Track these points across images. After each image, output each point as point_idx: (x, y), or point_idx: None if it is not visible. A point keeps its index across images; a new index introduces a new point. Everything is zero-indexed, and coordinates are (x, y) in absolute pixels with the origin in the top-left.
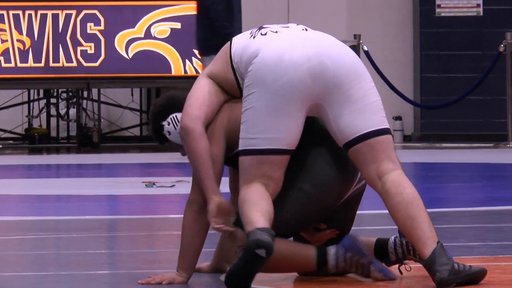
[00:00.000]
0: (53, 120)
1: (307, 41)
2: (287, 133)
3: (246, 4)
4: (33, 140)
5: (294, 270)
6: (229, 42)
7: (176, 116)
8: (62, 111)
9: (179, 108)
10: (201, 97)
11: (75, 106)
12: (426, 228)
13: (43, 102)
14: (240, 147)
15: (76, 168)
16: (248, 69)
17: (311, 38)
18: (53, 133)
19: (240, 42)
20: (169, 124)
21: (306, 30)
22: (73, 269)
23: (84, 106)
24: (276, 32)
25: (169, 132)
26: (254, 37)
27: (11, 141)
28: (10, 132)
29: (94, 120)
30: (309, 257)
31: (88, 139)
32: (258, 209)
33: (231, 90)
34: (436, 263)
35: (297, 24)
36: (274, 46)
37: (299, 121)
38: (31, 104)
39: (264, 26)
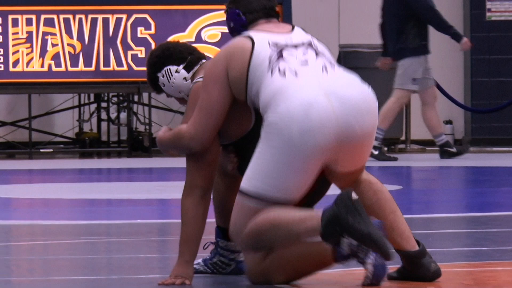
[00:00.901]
0: (104, 124)
1: (331, 92)
2: (301, 187)
3: (297, 17)
4: (84, 144)
5: (314, 269)
6: (248, 55)
7: (170, 69)
8: (113, 115)
9: (174, 60)
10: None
11: (126, 110)
12: (405, 224)
13: (93, 106)
14: (249, 187)
15: (127, 172)
16: (269, 114)
17: (334, 87)
18: (104, 137)
19: (258, 70)
20: (163, 76)
21: (326, 70)
22: (124, 273)
23: (135, 110)
24: (296, 74)
25: (163, 84)
26: (272, 72)
27: (62, 145)
28: (61, 136)
29: (145, 124)
30: (324, 251)
31: (139, 143)
32: (291, 212)
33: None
34: (427, 255)
35: (316, 55)
36: (298, 98)
37: (314, 175)
38: (82, 108)
39: (282, 53)
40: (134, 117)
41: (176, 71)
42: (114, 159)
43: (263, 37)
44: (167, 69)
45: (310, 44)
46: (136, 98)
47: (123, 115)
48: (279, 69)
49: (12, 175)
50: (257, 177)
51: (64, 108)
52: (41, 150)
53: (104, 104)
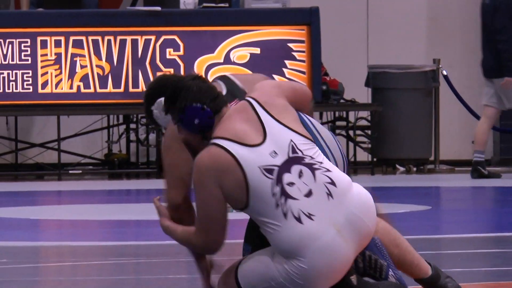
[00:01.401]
0: (133, 146)
1: (343, 227)
2: None
3: (325, 38)
4: (113, 165)
5: None
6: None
7: (161, 101)
8: (142, 136)
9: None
10: None
11: (155, 131)
12: (412, 252)
13: (122, 128)
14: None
15: (155, 193)
16: (290, 263)
17: (343, 219)
18: (133, 158)
19: (262, 202)
20: (156, 109)
21: (330, 194)
22: None
23: (163, 131)
24: (310, 217)
25: (157, 117)
26: (285, 216)
27: (90, 166)
28: (90, 157)
29: None
30: None
31: None
32: None
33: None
34: (442, 276)
35: (311, 172)
36: (320, 253)
37: None
38: (111, 129)
39: (284, 187)
40: (163, 138)
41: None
42: (143, 180)
43: (246, 157)
44: (159, 101)
45: (294, 150)
46: None
47: (152, 136)
48: (293, 214)
49: (41, 197)
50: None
51: (93, 130)
52: (70, 172)
53: (133, 125)
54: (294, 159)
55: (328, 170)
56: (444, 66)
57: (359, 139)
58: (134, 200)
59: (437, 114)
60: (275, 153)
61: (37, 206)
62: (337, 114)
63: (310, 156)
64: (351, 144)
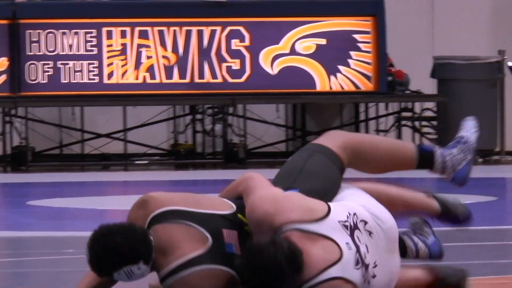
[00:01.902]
0: (199, 136)
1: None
2: None
3: (391, 29)
4: (179, 156)
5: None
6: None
7: (130, 269)
8: (208, 127)
9: (132, 258)
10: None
11: (221, 122)
12: (414, 195)
13: (188, 118)
14: None
15: (222, 183)
16: None
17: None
18: (199, 149)
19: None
20: (121, 274)
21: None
22: None
23: (230, 121)
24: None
25: (119, 279)
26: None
27: (157, 157)
28: (156, 148)
29: (239, 135)
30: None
31: (234, 155)
32: None
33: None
34: (450, 200)
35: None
36: None
37: None
38: (177, 120)
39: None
40: (229, 129)
41: (138, 268)
42: (209, 171)
43: None
44: (127, 270)
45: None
46: (231, 109)
47: (218, 127)
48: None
49: (107, 187)
50: None
51: (159, 120)
52: (136, 162)
53: (199, 116)
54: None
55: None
56: (509, 57)
57: (424, 130)
58: (201, 190)
59: (502, 105)
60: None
61: (104, 196)
62: (402, 105)
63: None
64: (417, 135)
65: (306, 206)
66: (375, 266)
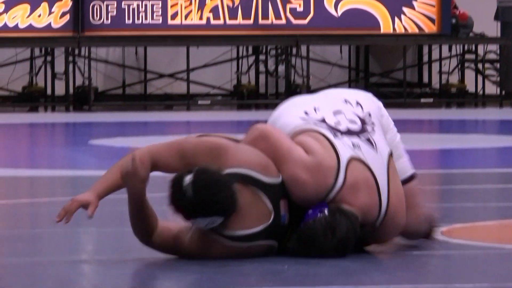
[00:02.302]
0: (262, 77)
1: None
2: None
3: None
4: (242, 97)
5: None
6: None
7: (215, 220)
8: (271, 68)
9: (222, 211)
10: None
11: (284, 63)
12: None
13: (252, 59)
14: None
15: None
16: None
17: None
18: (262, 90)
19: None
20: (206, 223)
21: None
22: None
23: (293, 63)
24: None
25: (198, 224)
26: None
27: (219, 97)
28: (219, 88)
29: (302, 77)
30: None
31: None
32: None
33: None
34: None
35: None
36: None
37: None
38: (240, 60)
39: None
40: (292, 70)
41: (216, 222)
42: (272, 111)
43: None
44: (213, 220)
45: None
46: (294, 51)
47: (281, 68)
48: None
49: (169, 127)
50: None
51: (222, 61)
52: (199, 102)
53: (262, 57)
54: None
55: None
56: None
57: (487, 72)
58: None
59: None
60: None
61: (166, 136)
62: (466, 47)
63: None
64: (479, 77)
65: (329, 165)
66: None
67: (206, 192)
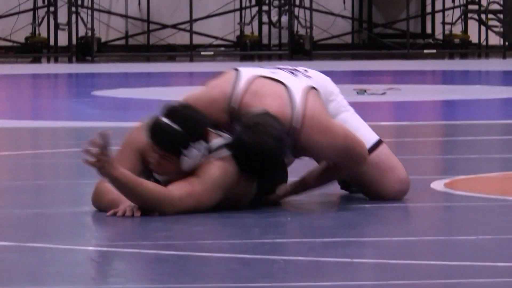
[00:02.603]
0: (265, 28)
1: None
2: None
3: None
4: (245, 47)
5: None
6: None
7: (203, 145)
8: (274, 18)
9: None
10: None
11: (287, 14)
12: None
13: (255, 9)
14: None
15: None
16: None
17: None
18: (265, 40)
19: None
20: (197, 150)
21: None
22: None
23: (296, 13)
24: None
25: (189, 158)
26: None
27: (222, 48)
28: (222, 39)
29: (306, 27)
30: None
31: (300, 47)
32: None
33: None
34: None
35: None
36: None
37: None
38: (243, 11)
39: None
40: (295, 20)
41: (202, 146)
42: (275, 62)
43: None
44: (200, 145)
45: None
46: (297, 1)
47: (284, 18)
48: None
49: (172, 78)
50: None
51: (226, 11)
52: (202, 53)
53: (265, 7)
54: None
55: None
56: None
57: (490, 23)
58: None
59: None
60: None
61: (169, 87)
62: None
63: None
64: (483, 28)
65: (225, 79)
66: None
67: (185, 119)
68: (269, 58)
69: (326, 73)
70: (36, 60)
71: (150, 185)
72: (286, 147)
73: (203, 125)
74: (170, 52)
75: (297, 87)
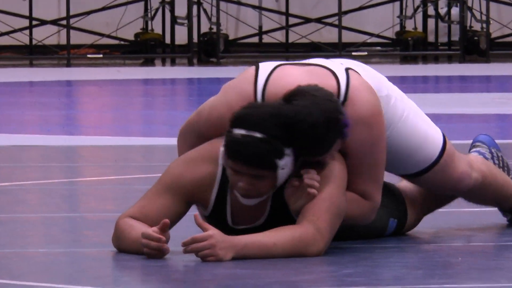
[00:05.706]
0: (431, 22)
1: None
2: None
3: None
4: (406, 46)
5: None
6: None
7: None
8: (442, 10)
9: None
10: None
11: (458, 5)
12: None
13: (419, 0)
14: None
15: (459, 80)
16: None
17: None
18: (431, 38)
19: None
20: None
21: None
22: None
23: (470, 4)
24: None
25: (283, 167)
26: None
27: (378, 47)
28: (378, 36)
29: (481, 21)
30: None
31: (474, 45)
32: None
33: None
34: None
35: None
36: None
37: None
38: (404, 1)
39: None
40: (469, 13)
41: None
42: (444, 65)
43: None
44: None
45: None
46: None
47: (455, 10)
48: None
49: None
50: None
51: (382, 2)
52: (353, 53)
53: None
54: None
55: None
56: None
57: None
58: (433, 89)
59: None
60: None
61: None
62: None
63: None
64: None
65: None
66: None
67: (263, 121)
68: (435, 59)
69: (506, 78)
70: (148, 62)
71: (281, 239)
72: (338, 129)
73: (281, 118)
74: (313, 52)
75: (340, 69)
